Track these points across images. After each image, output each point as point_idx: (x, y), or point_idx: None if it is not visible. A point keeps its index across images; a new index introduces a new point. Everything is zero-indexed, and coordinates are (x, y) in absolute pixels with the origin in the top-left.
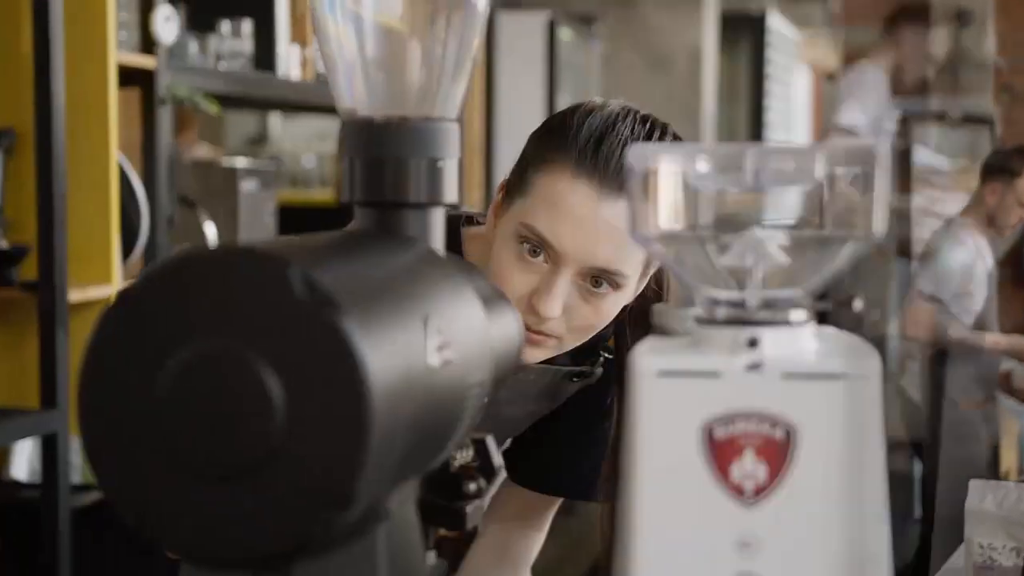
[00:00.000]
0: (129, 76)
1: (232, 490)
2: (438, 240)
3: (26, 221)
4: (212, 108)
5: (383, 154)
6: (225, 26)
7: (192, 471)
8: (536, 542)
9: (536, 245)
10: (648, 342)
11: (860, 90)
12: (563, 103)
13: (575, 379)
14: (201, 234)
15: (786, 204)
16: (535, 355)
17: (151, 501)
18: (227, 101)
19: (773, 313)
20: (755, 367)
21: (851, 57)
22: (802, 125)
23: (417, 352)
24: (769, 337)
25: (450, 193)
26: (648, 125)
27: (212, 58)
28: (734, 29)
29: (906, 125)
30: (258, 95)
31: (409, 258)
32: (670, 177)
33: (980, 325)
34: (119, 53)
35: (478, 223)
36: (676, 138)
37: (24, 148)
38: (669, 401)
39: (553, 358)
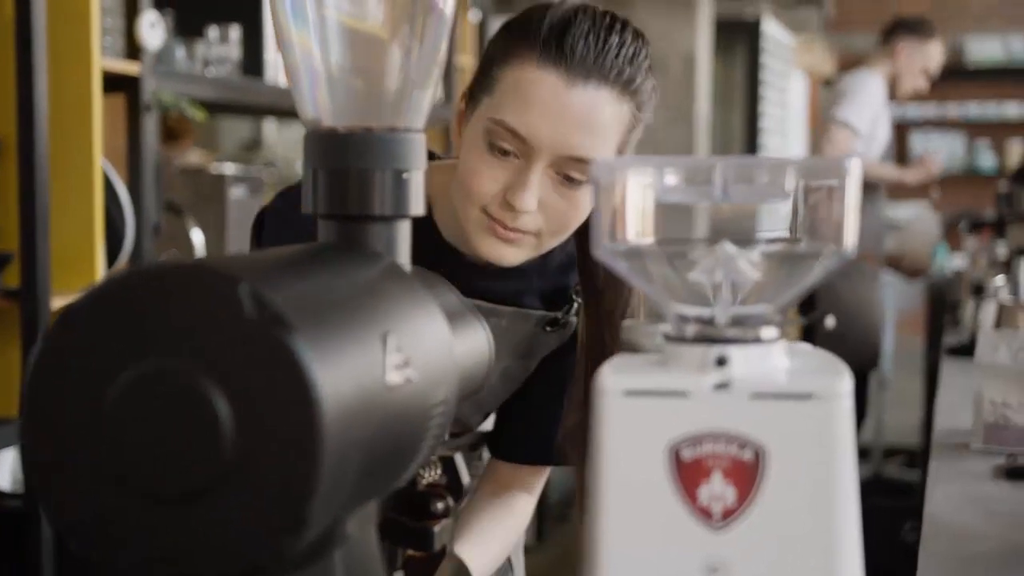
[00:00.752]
0: (114, 82)
1: (180, 513)
2: (404, 253)
3: (9, 228)
4: (198, 115)
5: (347, 165)
6: (213, 32)
7: (139, 493)
8: (530, 505)
9: (506, 142)
10: (616, 360)
11: (861, 92)
12: None
13: (548, 328)
14: (188, 241)
15: (763, 217)
16: (514, 254)
17: (97, 523)
18: (215, 107)
19: (743, 330)
20: (723, 386)
21: (846, 63)
22: (798, 130)
23: (374, 371)
24: (738, 355)
25: (416, 205)
26: (608, 17)
27: (199, 64)
28: (729, 35)
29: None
30: (246, 101)
31: (370, 273)
32: (637, 190)
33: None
34: (104, 59)
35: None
36: (638, 35)
37: (7, 154)
38: (635, 421)
39: (524, 301)
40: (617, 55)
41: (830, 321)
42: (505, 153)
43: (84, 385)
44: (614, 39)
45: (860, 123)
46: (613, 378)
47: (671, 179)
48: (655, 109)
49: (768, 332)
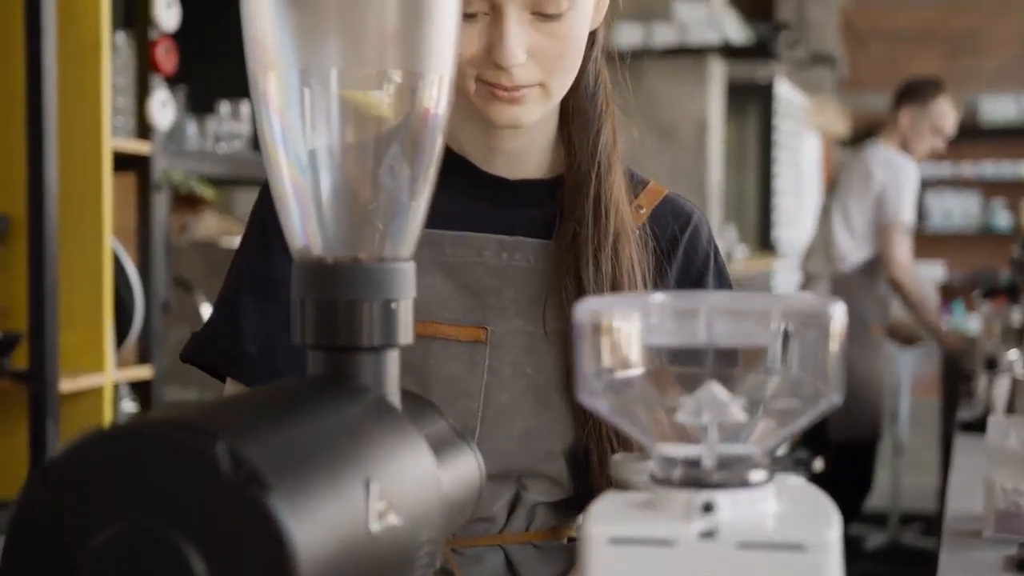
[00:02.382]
0: (125, 161)
1: None
2: (392, 383)
3: (18, 308)
4: (207, 192)
5: (335, 296)
6: (224, 107)
7: None
8: None
9: (467, 5)
10: (603, 501)
11: (907, 184)
12: None
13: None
14: (198, 317)
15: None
16: (526, 112)
17: None
18: (226, 182)
19: (730, 474)
20: (709, 535)
21: (859, 123)
22: (812, 190)
23: (357, 521)
24: (725, 500)
25: (405, 334)
26: None
27: (211, 140)
28: (742, 97)
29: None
30: (257, 176)
31: (355, 413)
32: (620, 332)
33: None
34: (115, 139)
35: None
36: None
37: (18, 235)
38: (622, 570)
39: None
40: None
41: (818, 464)
42: (474, 16)
43: (61, 543)
44: None
45: (912, 216)
46: (599, 526)
47: (655, 320)
48: (666, 173)
49: (756, 475)
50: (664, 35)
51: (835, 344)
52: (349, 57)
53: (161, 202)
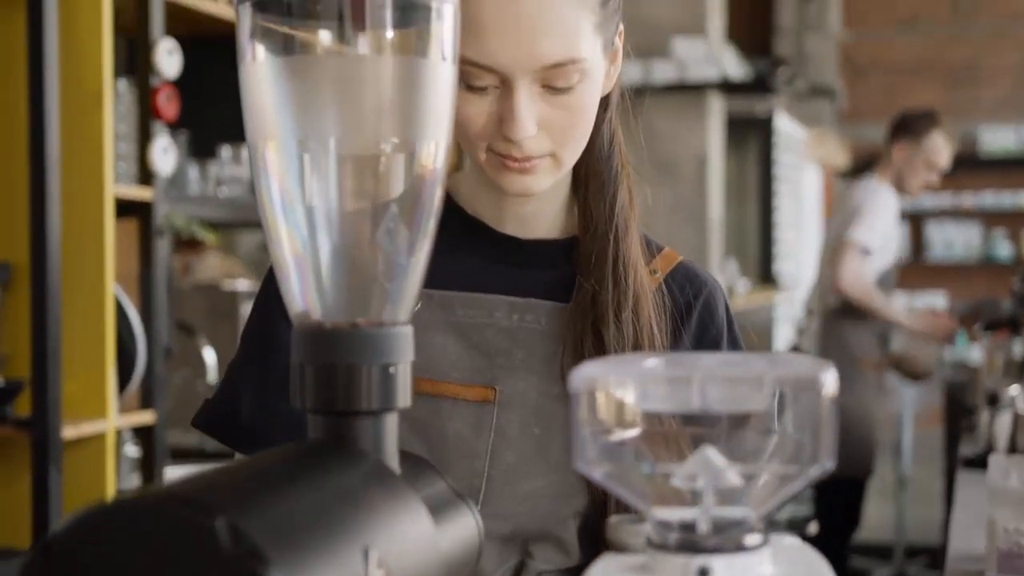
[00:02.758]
0: (127, 207)
1: None
2: (391, 446)
3: (20, 356)
4: (208, 237)
5: (334, 361)
6: (225, 151)
7: None
8: None
9: (477, 78)
10: (600, 564)
11: (872, 208)
12: None
13: None
14: (201, 361)
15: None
16: (536, 182)
17: None
18: (228, 225)
19: (725, 538)
20: None
21: (859, 154)
22: (813, 221)
23: None
24: (721, 565)
25: (403, 398)
26: None
27: (212, 183)
28: (741, 131)
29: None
30: (258, 220)
31: (353, 479)
32: (615, 398)
33: (882, 282)
34: (117, 186)
35: None
36: None
37: (20, 282)
38: None
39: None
40: None
41: (812, 528)
42: (484, 89)
43: None
44: None
45: (872, 241)
46: None
47: (650, 389)
48: (666, 209)
49: (751, 539)
50: (663, 72)
51: (827, 409)
52: (346, 126)
53: (163, 247)
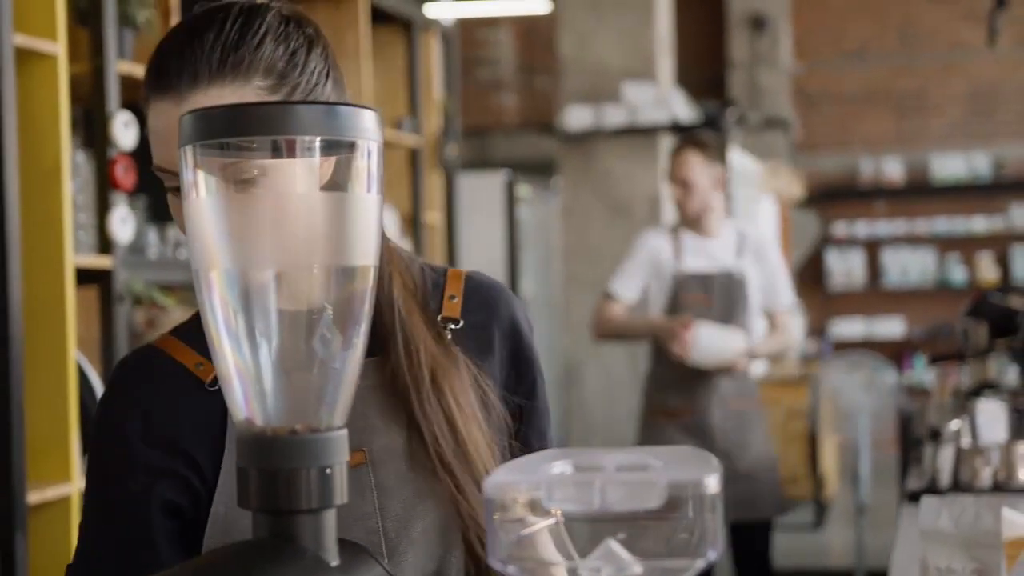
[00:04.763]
0: (87, 275)
1: None
2: (330, 539)
3: None
4: (167, 302)
5: (276, 465)
6: None
7: None
8: None
9: (172, 181)
10: None
11: (630, 258)
12: (524, 256)
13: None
14: None
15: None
16: None
17: None
18: (188, 287)
19: None
20: None
21: (814, 184)
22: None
23: None
24: None
25: (340, 495)
26: (205, 18)
27: (171, 247)
28: None
29: None
30: None
31: (295, 573)
32: (525, 501)
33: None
34: (77, 256)
35: None
36: (251, 13)
37: None
38: None
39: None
40: (219, 48)
41: None
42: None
43: None
44: (208, 37)
45: (627, 292)
46: None
47: (556, 490)
48: (620, 248)
49: None
50: (615, 116)
51: (711, 508)
52: (283, 254)
53: (123, 314)
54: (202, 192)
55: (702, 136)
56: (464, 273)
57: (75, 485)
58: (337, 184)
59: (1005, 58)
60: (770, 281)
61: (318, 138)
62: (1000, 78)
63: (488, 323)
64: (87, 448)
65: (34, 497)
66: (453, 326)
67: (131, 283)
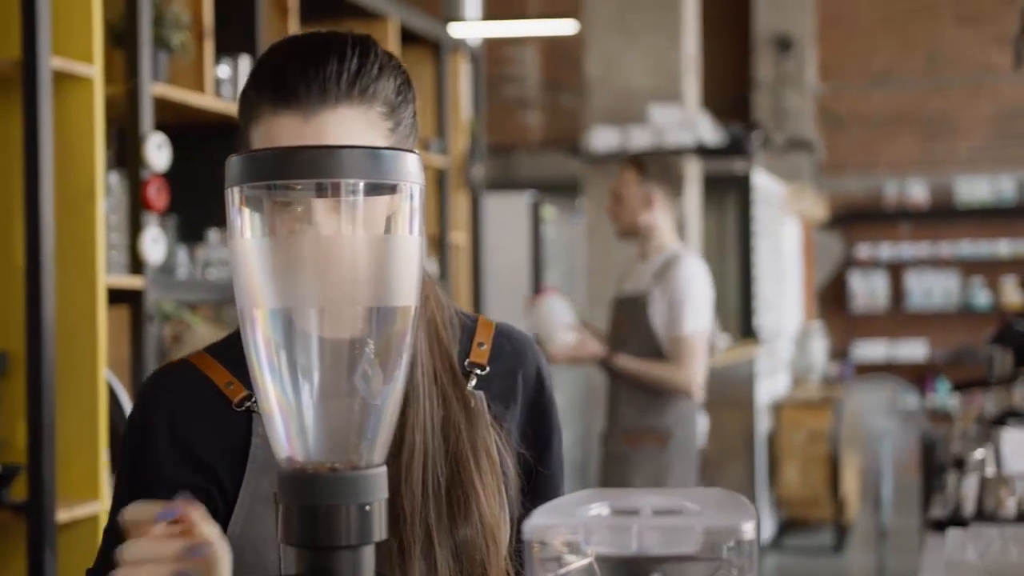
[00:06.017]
0: (119, 295)
1: None
2: (368, 575)
3: (17, 441)
4: (195, 322)
5: (316, 502)
6: (213, 235)
7: None
8: None
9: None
10: None
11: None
12: (549, 276)
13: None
14: None
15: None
16: None
17: None
18: (217, 304)
19: None
20: None
21: (838, 205)
22: (794, 272)
23: None
24: None
25: (379, 532)
26: (323, 39)
27: (200, 267)
28: (719, 189)
29: None
30: None
31: None
32: (563, 544)
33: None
34: (109, 276)
35: None
36: (358, 43)
37: (16, 370)
38: None
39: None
40: (346, 71)
41: None
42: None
43: None
44: (332, 59)
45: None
46: None
47: (594, 536)
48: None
49: None
50: (641, 138)
51: (748, 553)
52: (326, 296)
53: (152, 333)
54: (247, 233)
55: (645, 158)
56: (494, 323)
57: (103, 503)
58: (380, 226)
59: None
60: (672, 307)
61: (362, 181)
62: None
63: (514, 372)
64: (115, 465)
65: (63, 515)
66: (479, 372)
67: (161, 303)
